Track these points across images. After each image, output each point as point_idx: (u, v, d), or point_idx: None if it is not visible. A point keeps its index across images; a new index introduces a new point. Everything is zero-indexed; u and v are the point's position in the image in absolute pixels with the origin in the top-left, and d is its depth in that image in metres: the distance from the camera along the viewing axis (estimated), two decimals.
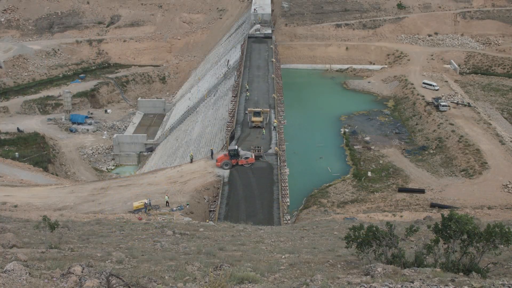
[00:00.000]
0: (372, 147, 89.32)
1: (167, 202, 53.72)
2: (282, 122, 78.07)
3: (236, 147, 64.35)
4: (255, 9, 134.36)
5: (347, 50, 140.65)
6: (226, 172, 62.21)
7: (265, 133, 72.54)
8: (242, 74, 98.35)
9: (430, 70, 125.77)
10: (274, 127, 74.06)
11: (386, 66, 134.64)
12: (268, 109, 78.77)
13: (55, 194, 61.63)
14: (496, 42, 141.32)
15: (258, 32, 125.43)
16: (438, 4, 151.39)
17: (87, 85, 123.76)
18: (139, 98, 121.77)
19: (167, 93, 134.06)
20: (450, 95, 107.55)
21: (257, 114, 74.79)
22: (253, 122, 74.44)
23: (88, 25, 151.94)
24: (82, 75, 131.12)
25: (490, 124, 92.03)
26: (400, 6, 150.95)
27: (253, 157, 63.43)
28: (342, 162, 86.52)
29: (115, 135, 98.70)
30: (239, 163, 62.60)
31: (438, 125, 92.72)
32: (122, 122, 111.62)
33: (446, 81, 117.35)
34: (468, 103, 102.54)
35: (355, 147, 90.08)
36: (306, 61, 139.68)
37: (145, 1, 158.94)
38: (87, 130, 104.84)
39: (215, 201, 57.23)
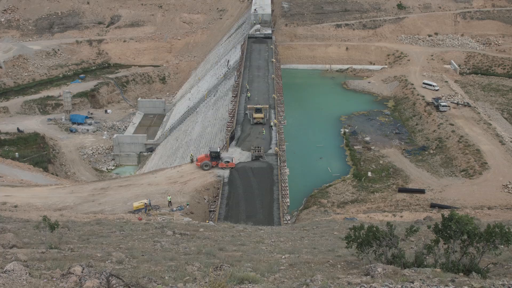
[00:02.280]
0: (372, 147, 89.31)
1: (169, 202, 53.83)
2: (282, 122, 78.26)
3: (218, 149, 64.52)
4: (255, 10, 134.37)
5: (347, 50, 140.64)
6: (226, 172, 62.21)
7: (265, 133, 72.66)
8: (242, 74, 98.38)
9: (430, 70, 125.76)
10: (271, 126, 74.55)
11: (386, 66, 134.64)
12: (268, 106, 79.81)
13: (55, 194, 61.67)
14: (496, 42, 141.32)
15: (258, 33, 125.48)
16: (438, 4, 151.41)
17: (87, 85, 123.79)
18: (139, 98, 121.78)
19: (167, 93, 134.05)
20: (450, 95, 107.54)
21: (258, 110, 75.76)
22: (255, 118, 75.41)
23: (88, 25, 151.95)
24: (82, 75, 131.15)
25: (490, 124, 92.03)
26: (400, 7, 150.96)
27: (234, 161, 63.57)
28: (342, 162, 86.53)
29: (115, 135, 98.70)
30: (219, 166, 62.75)
31: (438, 125, 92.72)
32: (122, 122, 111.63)
33: (446, 81, 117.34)
34: (468, 103, 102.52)
35: (355, 147, 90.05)
36: (306, 61, 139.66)
37: (145, 1, 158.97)
38: (87, 130, 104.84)
39: (215, 201, 57.22)
